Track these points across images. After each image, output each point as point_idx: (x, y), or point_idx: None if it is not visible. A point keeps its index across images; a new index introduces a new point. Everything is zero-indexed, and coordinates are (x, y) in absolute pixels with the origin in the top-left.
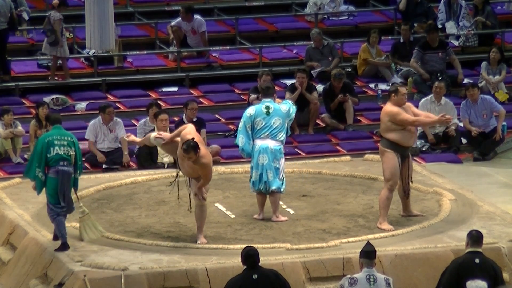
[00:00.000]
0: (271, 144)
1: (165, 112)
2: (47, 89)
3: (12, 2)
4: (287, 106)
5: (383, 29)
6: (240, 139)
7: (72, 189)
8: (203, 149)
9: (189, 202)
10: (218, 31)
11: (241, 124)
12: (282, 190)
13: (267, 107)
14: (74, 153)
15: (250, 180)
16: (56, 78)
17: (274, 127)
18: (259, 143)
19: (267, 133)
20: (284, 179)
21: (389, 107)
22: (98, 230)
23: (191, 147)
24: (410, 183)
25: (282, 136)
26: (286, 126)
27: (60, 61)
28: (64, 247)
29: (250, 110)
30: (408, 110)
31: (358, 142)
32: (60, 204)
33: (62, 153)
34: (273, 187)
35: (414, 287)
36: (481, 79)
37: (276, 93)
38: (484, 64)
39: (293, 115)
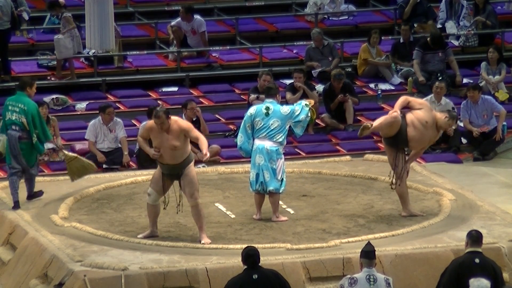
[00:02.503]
0: (267, 144)
1: None
2: (47, 89)
3: (12, 2)
4: (289, 108)
5: (383, 29)
6: (239, 138)
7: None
8: (175, 118)
9: (180, 202)
10: (218, 31)
11: (242, 123)
12: (280, 191)
13: (267, 108)
14: (25, 120)
15: (249, 179)
16: (53, 79)
17: (272, 128)
18: (257, 143)
19: (265, 133)
20: (284, 180)
21: (423, 101)
22: (88, 168)
23: (161, 111)
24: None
25: (280, 137)
26: (286, 128)
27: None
28: (15, 206)
29: (251, 110)
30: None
31: (358, 142)
32: (12, 165)
33: (14, 118)
34: (271, 188)
35: (414, 287)
36: (481, 79)
37: (280, 93)
38: (483, 64)
39: (301, 116)
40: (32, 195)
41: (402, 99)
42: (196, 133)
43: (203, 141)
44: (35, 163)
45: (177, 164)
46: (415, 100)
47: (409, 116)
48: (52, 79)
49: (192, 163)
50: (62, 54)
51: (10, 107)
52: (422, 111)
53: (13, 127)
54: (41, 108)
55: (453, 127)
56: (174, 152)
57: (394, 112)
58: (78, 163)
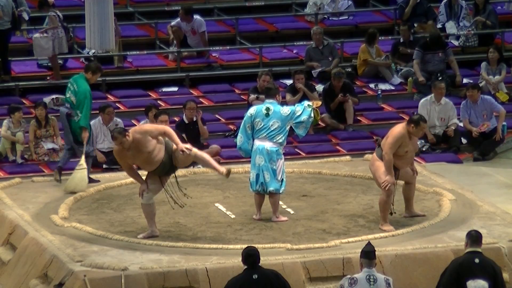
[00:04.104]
0: (268, 145)
1: (165, 113)
2: (47, 89)
3: (12, 2)
4: (289, 109)
5: (383, 29)
6: (239, 138)
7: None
8: (132, 130)
9: (179, 200)
10: (218, 31)
11: (242, 123)
12: (280, 191)
13: (267, 109)
14: (74, 99)
15: (249, 179)
16: (48, 78)
17: (272, 129)
18: (257, 143)
19: (265, 134)
20: (284, 180)
21: (399, 129)
22: (81, 185)
23: (115, 131)
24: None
25: (280, 138)
26: (286, 128)
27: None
28: (59, 169)
29: (251, 110)
30: (414, 140)
31: (358, 142)
32: (65, 141)
33: (67, 96)
34: (271, 188)
35: (414, 287)
36: (481, 79)
37: (280, 93)
38: (483, 64)
39: (303, 117)
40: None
41: (389, 159)
42: (158, 129)
43: (170, 134)
44: (88, 141)
45: (162, 161)
46: (394, 146)
47: (395, 162)
48: (48, 78)
49: (174, 147)
50: (37, 53)
51: (69, 85)
52: (400, 146)
53: (66, 104)
54: (37, 109)
55: (422, 130)
56: (150, 157)
57: (389, 185)
58: (83, 174)
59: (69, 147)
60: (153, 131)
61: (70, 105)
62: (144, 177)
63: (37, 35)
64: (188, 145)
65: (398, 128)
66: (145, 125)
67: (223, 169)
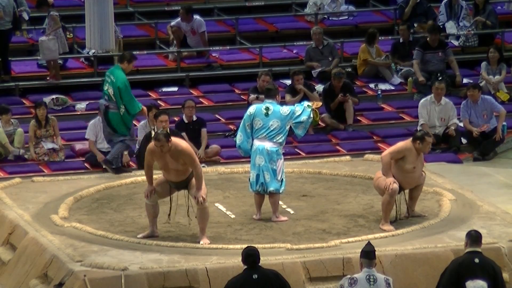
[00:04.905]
0: (267, 145)
1: (165, 113)
2: (47, 89)
3: (13, 2)
4: (289, 109)
5: (383, 29)
6: (238, 137)
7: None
8: (176, 139)
9: (188, 208)
10: (218, 31)
11: (241, 122)
12: (280, 191)
13: (267, 108)
14: (112, 91)
15: (249, 180)
16: (48, 78)
17: (272, 129)
18: (256, 143)
19: (265, 134)
20: (284, 180)
21: (405, 142)
22: None
23: (161, 134)
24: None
25: (280, 138)
26: (286, 128)
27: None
28: (106, 162)
29: (251, 109)
30: (421, 158)
31: (358, 142)
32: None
33: (105, 89)
34: (271, 188)
35: (414, 287)
36: (481, 79)
37: (279, 93)
38: (484, 64)
39: (303, 117)
40: (109, 161)
41: (385, 162)
42: (194, 162)
43: (199, 176)
44: (128, 132)
45: (183, 180)
46: (394, 152)
47: (398, 178)
48: (48, 78)
49: (193, 185)
50: (45, 56)
51: (106, 78)
52: (405, 159)
53: (105, 97)
54: (38, 109)
55: (430, 142)
56: (174, 171)
57: (392, 184)
58: None
59: (121, 139)
60: (186, 160)
61: (108, 97)
62: (155, 180)
63: (43, 38)
64: (205, 195)
65: (405, 141)
66: (187, 148)
67: (206, 240)
